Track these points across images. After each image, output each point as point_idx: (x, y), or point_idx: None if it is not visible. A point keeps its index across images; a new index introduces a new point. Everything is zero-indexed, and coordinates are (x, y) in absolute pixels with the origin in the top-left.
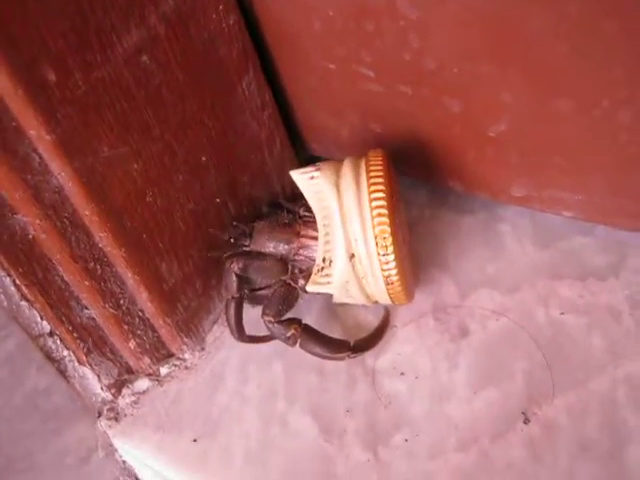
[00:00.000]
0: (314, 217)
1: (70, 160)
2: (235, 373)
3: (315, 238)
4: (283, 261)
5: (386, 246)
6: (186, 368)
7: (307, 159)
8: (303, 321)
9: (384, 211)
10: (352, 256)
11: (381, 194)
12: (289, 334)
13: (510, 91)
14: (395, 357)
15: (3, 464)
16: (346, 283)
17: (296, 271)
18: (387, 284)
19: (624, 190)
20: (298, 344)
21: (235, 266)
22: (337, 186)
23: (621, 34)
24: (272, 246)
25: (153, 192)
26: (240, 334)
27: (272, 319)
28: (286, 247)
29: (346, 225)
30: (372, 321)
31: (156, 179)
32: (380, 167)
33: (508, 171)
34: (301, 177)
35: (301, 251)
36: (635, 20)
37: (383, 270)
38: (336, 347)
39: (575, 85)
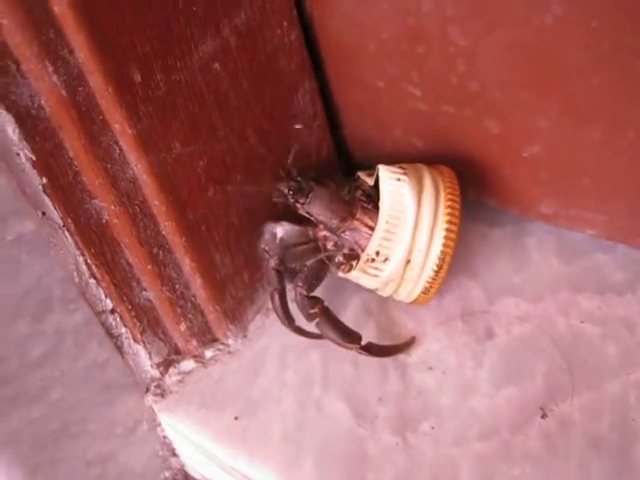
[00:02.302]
0: (372, 206)
1: (146, 154)
2: (275, 360)
3: (369, 227)
4: (316, 244)
5: (442, 265)
6: (229, 353)
7: (349, 166)
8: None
9: (453, 235)
10: (408, 262)
11: (454, 219)
12: (312, 311)
13: (546, 117)
14: (425, 353)
15: (60, 427)
16: (390, 281)
17: (331, 247)
18: (422, 292)
19: None
20: (315, 323)
21: (272, 262)
22: (419, 196)
23: None
24: (326, 215)
25: (214, 188)
26: (289, 322)
27: (305, 292)
28: (338, 223)
29: (416, 234)
30: (415, 310)
31: (218, 176)
32: (457, 195)
33: (538, 189)
34: (387, 174)
35: (348, 232)
36: None
37: (427, 282)
38: (348, 337)
39: (605, 116)
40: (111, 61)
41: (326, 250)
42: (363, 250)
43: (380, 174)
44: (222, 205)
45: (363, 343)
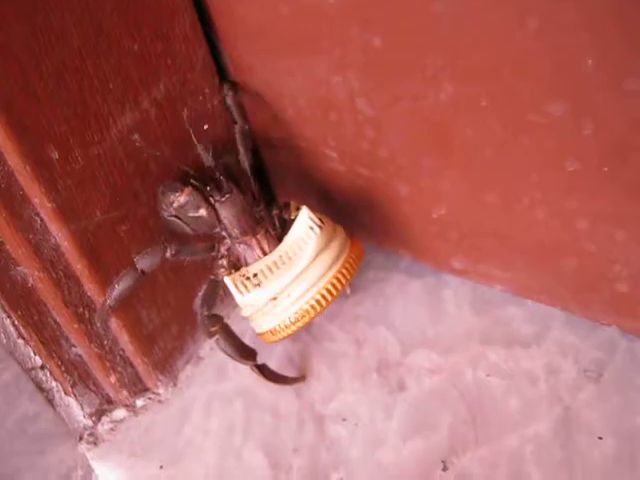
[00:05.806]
0: (275, 235)
1: (67, 223)
2: (201, 409)
3: (263, 251)
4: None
5: (298, 320)
6: (159, 402)
7: None
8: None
9: (323, 303)
10: (274, 299)
11: (332, 293)
12: (213, 329)
13: (448, 182)
14: (341, 405)
15: None
16: (251, 305)
17: (224, 250)
18: (271, 332)
19: (542, 273)
20: (215, 340)
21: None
22: (318, 254)
23: (535, 148)
24: (231, 221)
25: (138, 250)
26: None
27: (206, 312)
28: (238, 234)
29: (295, 281)
30: (335, 361)
31: (141, 238)
32: (353, 270)
33: (448, 247)
34: (306, 219)
35: (243, 246)
36: (547, 139)
37: (279, 325)
38: (245, 353)
39: (500, 184)
40: (28, 142)
41: (219, 253)
42: (246, 266)
43: (300, 214)
44: None
45: (259, 363)
